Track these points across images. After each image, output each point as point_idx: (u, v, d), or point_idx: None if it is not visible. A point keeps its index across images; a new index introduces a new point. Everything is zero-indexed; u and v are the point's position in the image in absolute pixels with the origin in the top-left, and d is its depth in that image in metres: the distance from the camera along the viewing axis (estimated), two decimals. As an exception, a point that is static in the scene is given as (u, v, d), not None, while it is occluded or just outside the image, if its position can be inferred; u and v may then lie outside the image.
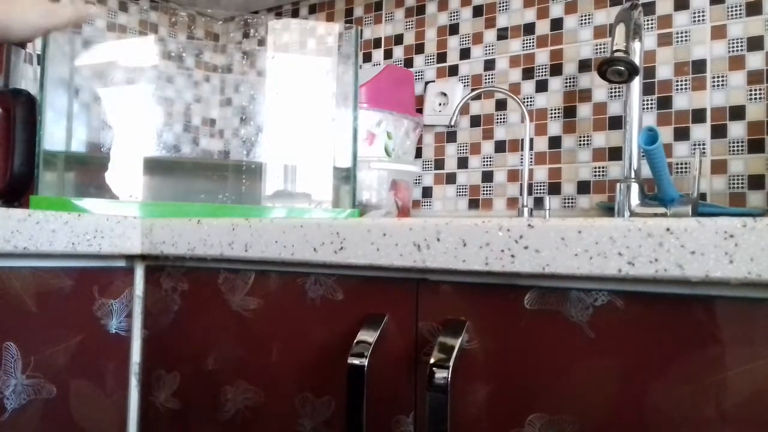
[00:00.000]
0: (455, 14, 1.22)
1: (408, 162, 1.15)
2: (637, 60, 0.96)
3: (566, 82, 1.10)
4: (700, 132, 0.98)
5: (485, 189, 1.16)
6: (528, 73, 1.14)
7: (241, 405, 0.64)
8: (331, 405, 0.58)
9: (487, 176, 1.16)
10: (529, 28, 1.14)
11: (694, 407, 0.42)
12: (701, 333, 0.43)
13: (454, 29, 1.22)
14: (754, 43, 0.95)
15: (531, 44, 1.14)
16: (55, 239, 0.61)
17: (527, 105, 1.13)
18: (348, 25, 1.15)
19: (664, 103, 1.01)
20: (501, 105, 1.16)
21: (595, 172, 1.06)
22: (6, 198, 0.88)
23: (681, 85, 1.00)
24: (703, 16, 0.99)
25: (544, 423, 0.48)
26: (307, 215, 0.90)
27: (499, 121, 1.16)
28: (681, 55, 1.00)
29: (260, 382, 0.62)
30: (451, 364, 0.48)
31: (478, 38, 1.19)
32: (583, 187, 1.07)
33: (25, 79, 0.97)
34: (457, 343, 0.50)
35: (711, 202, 0.96)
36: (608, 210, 1.02)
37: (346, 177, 0.94)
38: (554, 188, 1.09)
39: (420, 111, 1.23)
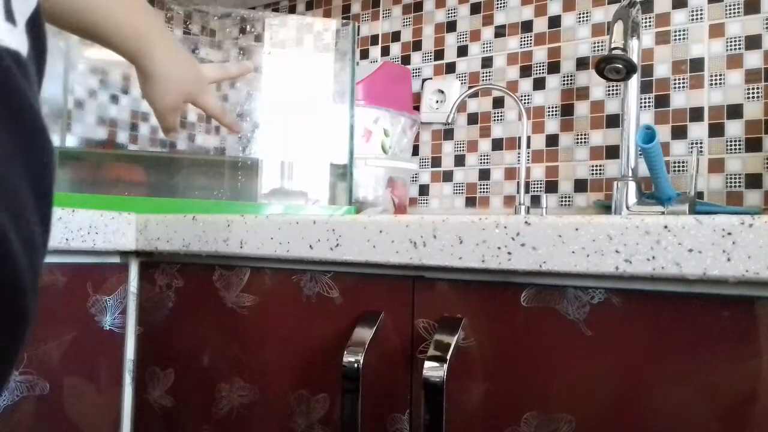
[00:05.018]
0: (453, 11, 1.22)
1: (405, 159, 1.14)
2: (634, 58, 0.96)
3: (564, 80, 1.09)
4: (698, 131, 0.98)
5: (482, 187, 1.16)
6: (525, 71, 1.13)
7: (235, 402, 0.63)
8: (326, 403, 0.58)
9: (484, 174, 1.16)
10: (526, 26, 1.14)
11: (690, 406, 0.42)
12: (698, 331, 0.42)
13: (451, 26, 1.22)
14: (752, 42, 0.95)
15: (529, 42, 1.13)
16: (48, 235, 0.60)
17: (525, 103, 1.13)
18: (345, 21, 1.14)
19: (662, 101, 1.01)
20: (498, 103, 1.16)
21: (593, 170, 1.06)
22: None
23: (679, 83, 1.00)
24: (701, 14, 0.99)
25: (539, 421, 0.47)
26: (304, 212, 0.90)
27: (496, 118, 1.16)
28: (679, 54, 1.00)
29: (255, 380, 0.62)
30: (447, 361, 0.48)
31: (475, 36, 1.19)
32: (580, 186, 1.07)
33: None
34: (453, 340, 0.49)
35: (708, 201, 0.96)
36: (605, 208, 1.02)
37: (343, 174, 0.94)
38: (551, 186, 1.09)
39: (417, 108, 1.23)
